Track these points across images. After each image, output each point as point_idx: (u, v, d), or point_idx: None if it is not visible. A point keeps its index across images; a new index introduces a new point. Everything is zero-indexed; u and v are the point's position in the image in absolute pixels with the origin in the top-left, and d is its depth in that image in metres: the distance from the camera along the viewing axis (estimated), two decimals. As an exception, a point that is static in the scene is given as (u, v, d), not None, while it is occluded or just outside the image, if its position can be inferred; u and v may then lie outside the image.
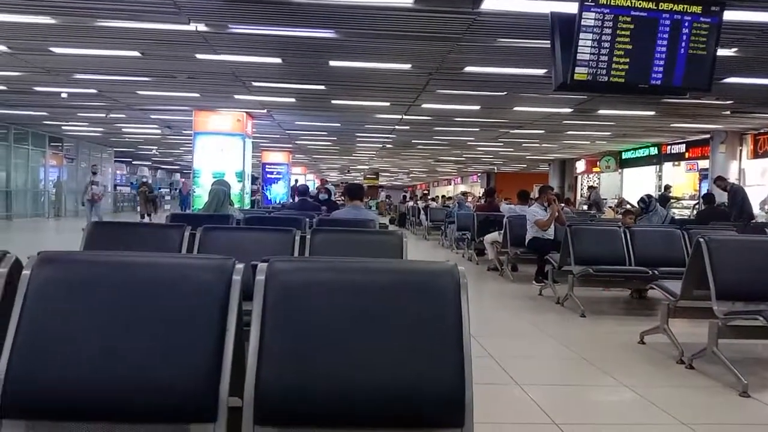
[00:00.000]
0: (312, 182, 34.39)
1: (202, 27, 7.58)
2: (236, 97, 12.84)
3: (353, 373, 1.70)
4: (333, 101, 12.93)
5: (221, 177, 10.99)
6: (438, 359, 1.74)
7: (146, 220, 17.86)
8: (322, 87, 11.39)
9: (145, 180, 23.67)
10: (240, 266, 1.78)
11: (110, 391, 1.67)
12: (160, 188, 36.88)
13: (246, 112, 14.90)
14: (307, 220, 5.37)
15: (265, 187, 23.22)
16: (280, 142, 22.09)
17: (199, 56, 9.15)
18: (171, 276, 1.81)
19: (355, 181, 40.19)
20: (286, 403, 1.67)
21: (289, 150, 24.52)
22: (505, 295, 7.73)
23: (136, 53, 9.02)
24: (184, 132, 18.16)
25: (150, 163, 39.34)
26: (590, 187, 21.58)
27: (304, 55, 8.96)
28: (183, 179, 27.91)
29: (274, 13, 7.00)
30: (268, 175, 23.73)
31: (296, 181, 24.54)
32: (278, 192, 22.81)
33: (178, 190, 26.96)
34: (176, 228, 3.91)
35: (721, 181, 11.63)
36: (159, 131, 19.79)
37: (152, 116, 16.50)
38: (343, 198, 8.22)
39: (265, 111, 14.75)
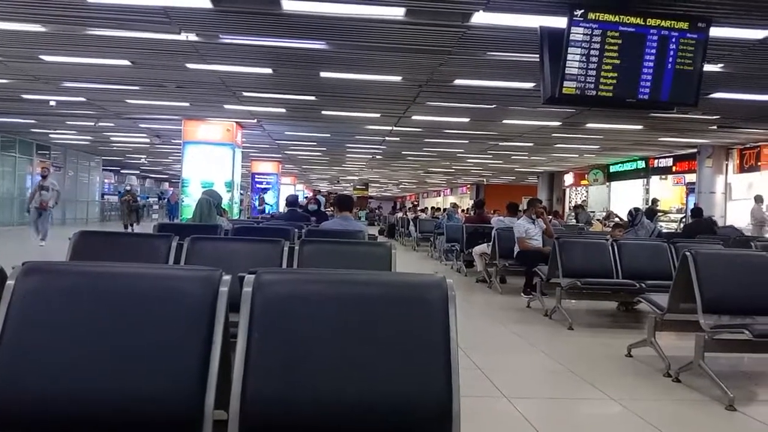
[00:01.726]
0: (302, 192, 34.34)
1: (193, 37, 7.58)
2: (226, 106, 12.83)
3: (340, 385, 1.69)
4: (323, 112, 12.96)
5: (210, 187, 10.97)
6: (425, 372, 1.73)
7: (129, 231, 17.45)
8: (313, 98, 11.41)
9: (129, 188, 22.00)
10: (227, 278, 1.77)
11: (95, 403, 1.65)
12: (147, 197, 36.57)
13: (236, 122, 14.89)
14: (296, 230, 5.36)
15: (254, 197, 23.14)
16: (270, 152, 22.08)
17: (189, 66, 9.15)
18: (157, 287, 1.80)
19: (345, 192, 40.18)
20: (272, 416, 1.65)
21: (278, 160, 24.51)
22: (493, 307, 7.73)
23: (126, 62, 9.00)
24: (173, 141, 18.10)
25: (138, 172, 39.14)
26: (576, 207, 21.37)
27: (295, 65, 8.98)
28: (172, 188, 27.69)
29: (266, 24, 7.02)
30: (258, 185, 23.68)
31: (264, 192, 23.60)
32: (270, 202, 22.71)
33: (166, 200, 26.69)
34: (163, 238, 3.89)
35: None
36: (148, 140, 19.71)
37: (141, 125, 16.44)
38: (332, 209, 8.23)
39: (255, 121, 14.75)
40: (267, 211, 20.43)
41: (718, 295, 4.18)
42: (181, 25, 7.11)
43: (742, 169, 16.05)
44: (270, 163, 24.48)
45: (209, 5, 6.25)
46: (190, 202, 13.67)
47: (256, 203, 22.67)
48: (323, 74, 9.32)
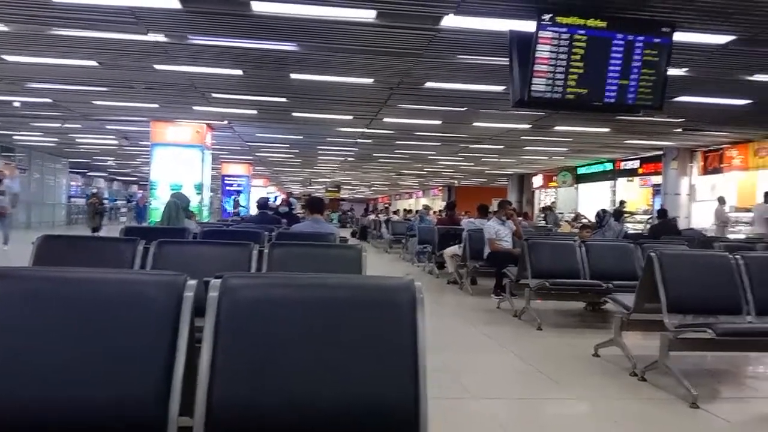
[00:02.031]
0: (274, 195, 34.08)
1: (161, 38, 7.49)
2: (195, 108, 12.69)
3: (308, 390, 1.69)
4: (294, 114, 12.90)
5: (179, 189, 10.83)
6: (393, 375, 1.73)
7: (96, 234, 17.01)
8: (284, 99, 11.36)
9: (95, 191, 21.11)
10: (192, 282, 1.75)
11: (57, 409, 1.62)
12: (115, 200, 35.91)
13: (205, 124, 14.73)
14: (267, 233, 5.32)
15: (225, 200, 22.89)
16: (241, 154, 21.90)
17: (157, 67, 9.03)
18: (121, 292, 1.77)
19: (317, 194, 40.02)
20: (237, 421, 1.64)
21: (249, 162, 24.32)
22: (464, 308, 7.78)
23: (93, 63, 8.84)
24: (141, 143, 17.82)
25: (106, 174, 38.45)
26: (545, 208, 21.75)
27: (266, 67, 8.92)
28: (141, 191, 27.19)
29: (235, 25, 6.97)
30: (228, 188, 23.43)
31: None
32: (242, 205, 22.40)
33: (134, 203, 26.16)
34: (129, 242, 3.82)
35: None
36: (116, 142, 19.37)
37: (108, 126, 16.15)
38: (303, 211, 8.19)
39: (225, 122, 14.61)
40: (241, 214, 20.20)
41: (682, 295, 4.27)
42: (148, 25, 7.02)
43: (705, 171, 16.44)
44: (241, 165, 24.27)
45: (177, 5, 6.18)
46: (158, 204, 13.47)
47: (227, 206, 22.43)
48: (294, 76, 9.29)
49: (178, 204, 6.41)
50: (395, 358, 1.75)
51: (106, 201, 22.07)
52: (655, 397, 4.05)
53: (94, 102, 12.35)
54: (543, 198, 27.05)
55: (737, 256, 4.54)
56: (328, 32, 7.04)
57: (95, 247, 4.22)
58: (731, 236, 12.93)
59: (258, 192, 26.83)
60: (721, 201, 14.18)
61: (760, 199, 12.78)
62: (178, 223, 6.18)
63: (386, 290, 1.87)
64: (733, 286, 4.38)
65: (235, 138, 17.27)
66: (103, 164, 30.19)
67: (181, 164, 14.51)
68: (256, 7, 6.21)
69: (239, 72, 9.25)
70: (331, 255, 3.82)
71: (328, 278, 1.89)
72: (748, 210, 14.15)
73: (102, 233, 16.31)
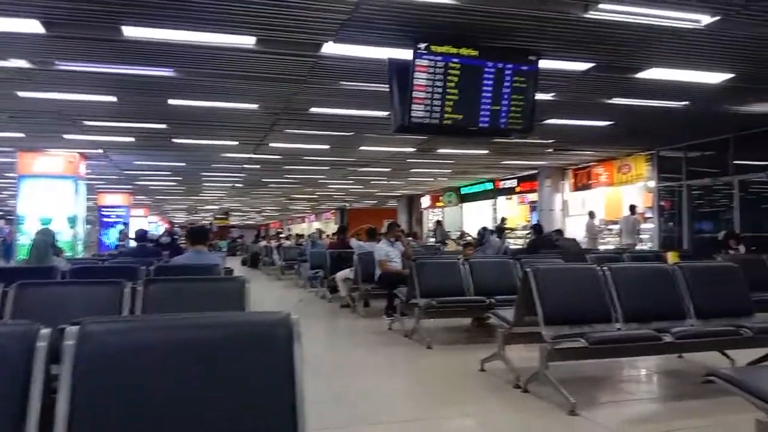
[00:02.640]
0: (156, 225, 32.55)
1: (23, 63, 6.99)
2: (66, 136, 11.92)
3: (179, 437, 1.60)
4: (175, 140, 12.44)
5: (48, 223, 10.09)
6: (270, 412, 1.69)
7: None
8: (163, 126, 10.93)
9: None
10: (45, 331, 1.61)
11: None
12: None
13: (78, 153, 13.87)
14: (145, 268, 5.06)
15: (102, 232, 21.54)
16: (119, 184, 20.77)
17: (21, 94, 8.41)
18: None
19: (204, 222, 38.73)
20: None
21: (129, 191, 23.11)
22: (356, 332, 7.78)
23: (-57, 89, 8.09)
24: (6, 175, 16.47)
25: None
26: (438, 222, 22.82)
27: (142, 93, 8.56)
28: (8, 226, 24.97)
29: (106, 50, 6.64)
30: (105, 219, 22.09)
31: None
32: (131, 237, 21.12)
33: (2, 239, 23.94)
34: (-15, 286, 3.48)
35: None
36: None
37: (-32, 158, 14.79)
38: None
39: (100, 151, 13.83)
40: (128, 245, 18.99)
41: (557, 308, 4.50)
42: (9, 51, 6.53)
43: (576, 188, 17.65)
44: (119, 195, 22.99)
45: (41, 30, 5.81)
46: (26, 240, 12.44)
47: (105, 239, 21.12)
48: (172, 101, 8.98)
49: (47, 241, 5.97)
50: (272, 394, 1.71)
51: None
52: (536, 407, 4.22)
53: (-52, 132, 11.28)
54: (431, 218, 27.83)
55: (605, 268, 4.86)
56: (207, 58, 6.88)
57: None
58: (601, 247, 13.94)
59: (138, 223, 25.51)
60: (591, 215, 15.24)
61: (626, 212, 13.90)
62: (47, 261, 5.74)
63: (261, 326, 1.82)
64: (602, 297, 4.66)
65: (111, 167, 16.38)
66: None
67: (53, 196, 13.53)
68: (128, 32, 5.96)
69: (113, 98, 8.81)
70: (211, 289, 3.67)
71: (199, 318, 1.81)
72: (615, 222, 15.33)
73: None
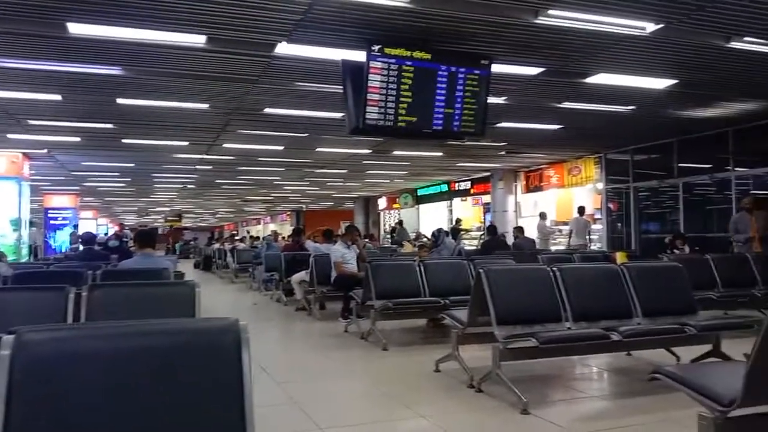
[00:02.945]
0: (105, 227, 31.66)
1: (-40, 59, 6.69)
2: (10, 136, 11.46)
3: (123, 449, 1.55)
4: (124, 140, 12.11)
5: (-11, 226, 9.67)
6: (217, 420, 1.65)
7: None
8: (111, 125, 10.62)
9: None
10: (-21, 342, 1.54)
11: None
12: None
13: (22, 153, 13.36)
14: (92, 273, 4.90)
15: (48, 235, 20.81)
16: (66, 185, 20.11)
17: (-42, 91, 8.06)
18: None
19: (156, 224, 37.91)
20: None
21: (76, 193, 22.39)
22: (312, 335, 7.73)
23: None
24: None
25: None
26: (398, 222, 22.69)
27: (88, 92, 8.30)
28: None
29: (51, 48, 6.42)
30: (52, 221, 21.34)
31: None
32: (63, 239, 20.52)
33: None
34: None
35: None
36: None
37: None
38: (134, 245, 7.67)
39: (45, 151, 13.36)
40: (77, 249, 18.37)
41: (509, 308, 4.57)
42: (-57, 45, 6.24)
43: (528, 190, 17.97)
44: (66, 197, 22.25)
45: (-20, 25, 5.57)
46: (-35, 245, 11.91)
47: (52, 242, 20.41)
48: (120, 101, 8.73)
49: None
50: (220, 402, 1.67)
51: None
52: (490, 406, 4.28)
53: None
54: (388, 219, 27.88)
55: (554, 269, 4.96)
56: (156, 56, 6.72)
57: None
58: (553, 248, 14.22)
59: (87, 225, 24.77)
60: (543, 216, 15.53)
61: (576, 213, 14.22)
62: (-13, 266, 5.51)
63: (209, 333, 1.78)
64: (552, 297, 4.76)
65: (58, 167, 15.84)
66: None
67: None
68: (73, 29, 5.77)
69: (58, 97, 8.51)
70: (159, 294, 3.57)
71: (144, 325, 1.76)
72: (565, 223, 15.66)
73: None
